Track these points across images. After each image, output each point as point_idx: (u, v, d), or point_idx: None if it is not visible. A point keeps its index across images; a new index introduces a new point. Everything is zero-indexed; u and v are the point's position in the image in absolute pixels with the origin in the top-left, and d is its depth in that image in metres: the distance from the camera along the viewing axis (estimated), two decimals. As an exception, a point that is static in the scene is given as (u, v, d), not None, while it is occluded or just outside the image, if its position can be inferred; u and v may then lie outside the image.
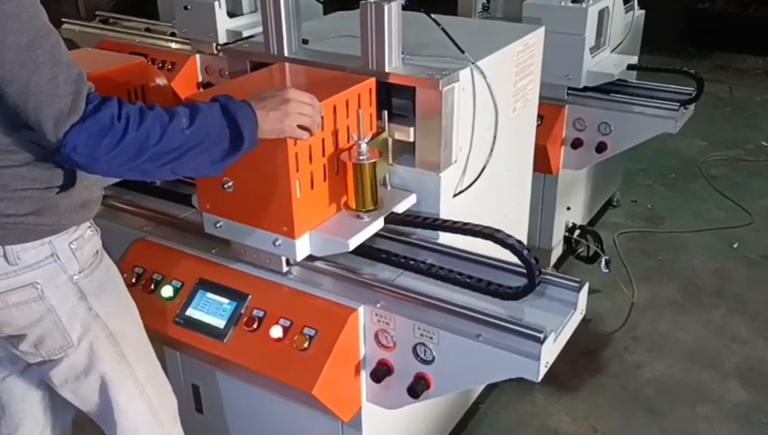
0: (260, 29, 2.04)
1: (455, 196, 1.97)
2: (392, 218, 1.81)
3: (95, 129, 1.29)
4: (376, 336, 1.73)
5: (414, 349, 1.68)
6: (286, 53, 1.96)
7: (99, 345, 1.57)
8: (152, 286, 1.90)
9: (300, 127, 1.53)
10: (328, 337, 1.67)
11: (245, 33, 3.16)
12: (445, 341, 1.62)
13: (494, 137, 2.04)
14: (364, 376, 1.79)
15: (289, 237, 1.67)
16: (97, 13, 3.89)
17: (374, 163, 1.71)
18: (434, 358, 1.66)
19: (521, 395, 2.75)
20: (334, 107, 1.67)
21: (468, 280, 1.70)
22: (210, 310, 1.81)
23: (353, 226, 1.74)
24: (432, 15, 1.99)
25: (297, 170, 1.60)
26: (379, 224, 1.77)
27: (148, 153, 1.33)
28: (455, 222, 1.76)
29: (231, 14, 3.26)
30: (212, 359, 1.83)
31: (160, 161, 1.36)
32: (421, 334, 1.65)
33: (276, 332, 1.71)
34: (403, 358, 1.70)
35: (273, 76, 1.88)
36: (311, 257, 1.77)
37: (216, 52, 3.28)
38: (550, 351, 1.55)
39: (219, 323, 1.78)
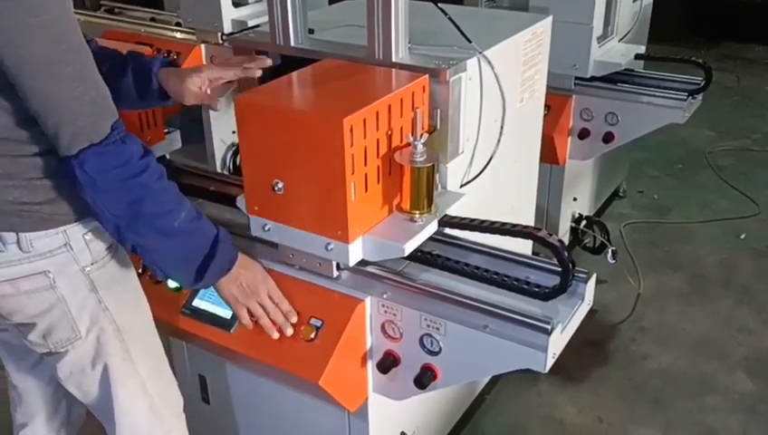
0: (265, 18, 2.03)
1: (461, 186, 1.96)
2: (445, 221, 1.75)
3: (114, 157, 1.34)
4: (382, 327, 1.72)
5: (421, 340, 1.67)
6: (292, 43, 1.94)
7: (106, 339, 1.57)
8: (159, 277, 1.90)
9: (248, 312, 1.67)
10: (335, 328, 1.67)
11: (251, 23, 3.14)
12: (452, 332, 1.62)
13: (502, 127, 2.02)
14: (371, 367, 1.78)
15: (342, 242, 1.60)
16: (102, 2, 3.87)
17: (433, 165, 1.64)
18: (441, 349, 1.65)
19: (526, 386, 2.75)
20: (389, 106, 1.60)
21: (478, 273, 1.70)
22: (217, 300, 1.80)
23: (407, 229, 1.66)
24: (439, 4, 1.97)
25: (352, 172, 1.54)
26: (433, 227, 1.70)
27: (137, 210, 1.39)
28: (514, 225, 1.68)
29: (236, 4, 3.24)
30: (219, 349, 1.84)
31: (140, 228, 1.42)
32: (428, 325, 1.65)
33: (283, 322, 1.70)
34: (410, 349, 1.70)
35: (322, 75, 1.79)
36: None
37: (221, 41, 3.26)
38: (557, 342, 1.54)
39: (226, 313, 1.78)
